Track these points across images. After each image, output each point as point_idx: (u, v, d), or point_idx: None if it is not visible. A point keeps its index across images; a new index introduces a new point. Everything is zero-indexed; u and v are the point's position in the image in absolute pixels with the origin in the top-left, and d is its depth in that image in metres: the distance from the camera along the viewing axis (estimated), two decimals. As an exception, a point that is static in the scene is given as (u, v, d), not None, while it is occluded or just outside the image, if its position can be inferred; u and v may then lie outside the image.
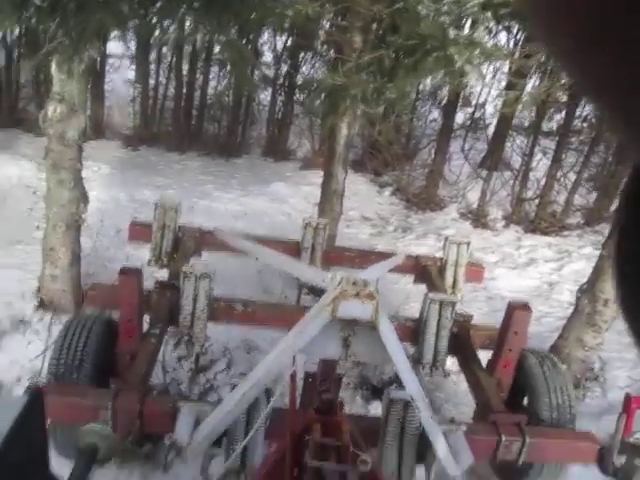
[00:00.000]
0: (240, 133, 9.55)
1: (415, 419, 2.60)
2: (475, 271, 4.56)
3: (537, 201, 8.27)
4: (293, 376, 1.76)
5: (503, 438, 2.82)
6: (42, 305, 4.79)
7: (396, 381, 3.52)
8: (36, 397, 1.40)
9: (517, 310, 3.18)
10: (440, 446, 2.57)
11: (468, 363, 3.44)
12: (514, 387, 3.30)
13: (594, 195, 8.57)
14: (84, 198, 4.55)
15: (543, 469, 3.16)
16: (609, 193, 8.34)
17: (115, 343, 3.11)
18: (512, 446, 2.82)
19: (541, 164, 8.63)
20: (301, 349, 2.34)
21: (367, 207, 8.13)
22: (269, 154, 9.39)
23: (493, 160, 9.04)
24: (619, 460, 3.78)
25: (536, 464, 3.12)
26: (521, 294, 6.14)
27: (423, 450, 2.72)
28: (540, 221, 7.99)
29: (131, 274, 2.99)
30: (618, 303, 0.37)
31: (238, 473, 2.61)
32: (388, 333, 2.32)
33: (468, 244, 4.40)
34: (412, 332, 3.54)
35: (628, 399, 3.87)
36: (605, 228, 8.49)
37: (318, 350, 2.37)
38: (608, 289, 4.50)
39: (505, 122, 9.13)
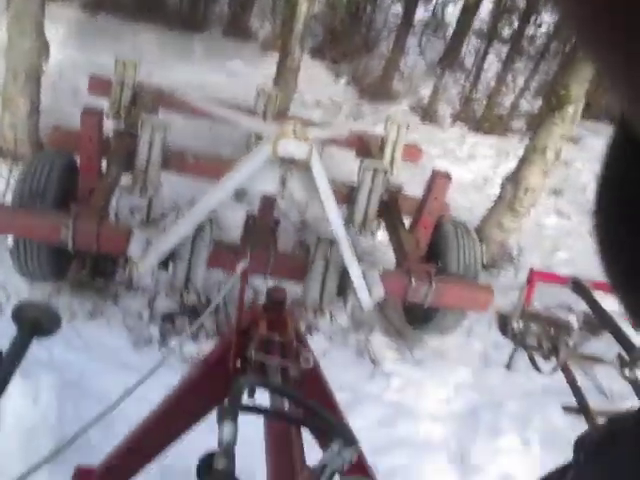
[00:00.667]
0: (202, 9, 9.46)
1: (338, 257, 3.02)
2: (413, 151, 4.93)
3: (485, 102, 8.62)
4: (244, 274, 1.77)
5: (413, 282, 3.29)
6: (1, 154, 4.98)
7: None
8: None
9: (438, 177, 3.59)
10: (357, 281, 3.01)
11: (393, 225, 3.87)
12: (431, 248, 3.76)
13: (540, 102, 8.96)
14: (45, 49, 4.68)
15: (446, 316, 3.67)
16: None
17: (75, 179, 3.40)
18: (420, 289, 3.31)
19: (493, 67, 8.93)
20: (243, 183, 2.70)
21: (322, 93, 8.34)
22: (230, 34, 9.37)
23: (448, 59, 9.27)
24: (518, 326, 4.38)
25: (441, 311, 3.63)
26: (456, 184, 6.59)
27: (343, 286, 3.17)
28: (485, 121, 8.38)
29: (93, 113, 3.24)
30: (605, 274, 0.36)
31: (181, 290, 3.02)
32: (320, 174, 2.68)
33: (408, 126, 4.74)
34: (347, 196, 3.92)
35: (531, 272, 4.44)
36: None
37: (259, 184, 2.73)
38: (530, 179, 4.97)
39: (465, 23, 9.32)
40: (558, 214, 6.98)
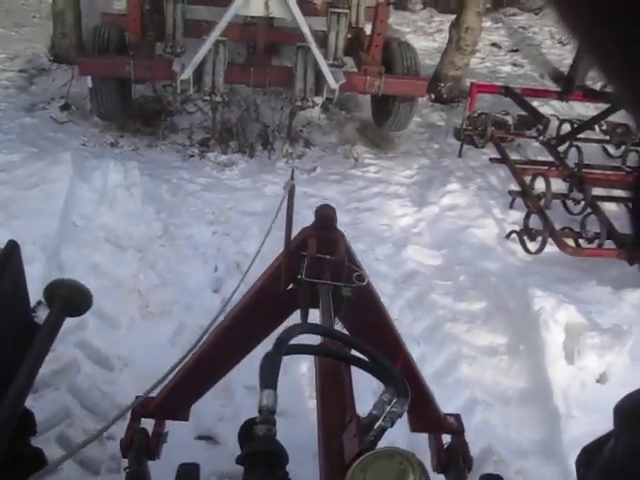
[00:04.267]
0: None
1: (312, 59, 4.43)
2: (373, 11, 6.23)
3: (449, -14, 9.81)
4: (291, 190, 1.60)
5: (368, 78, 4.72)
6: (56, 59, 6.44)
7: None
8: (12, 249, 1.45)
9: (380, 6, 4.96)
10: (326, 72, 4.43)
11: (356, 53, 5.26)
12: (383, 61, 5.14)
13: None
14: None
15: (399, 110, 5.10)
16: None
17: (124, 41, 4.85)
18: (374, 83, 4.74)
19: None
20: (240, 9, 4.12)
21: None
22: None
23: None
24: (465, 126, 5.69)
25: (395, 107, 5.06)
26: (425, 52, 7.91)
27: (319, 85, 4.60)
28: (450, 2, 9.57)
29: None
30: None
31: (210, 94, 4.45)
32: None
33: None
34: (323, 37, 5.28)
35: (472, 85, 5.80)
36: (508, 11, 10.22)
37: (248, 10, 4.15)
38: (469, 19, 6.29)
39: None
40: (513, 65, 8.26)
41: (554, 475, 2.68)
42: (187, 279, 3.64)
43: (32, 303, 1.82)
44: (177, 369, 1.67)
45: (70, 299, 1.56)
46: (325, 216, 1.58)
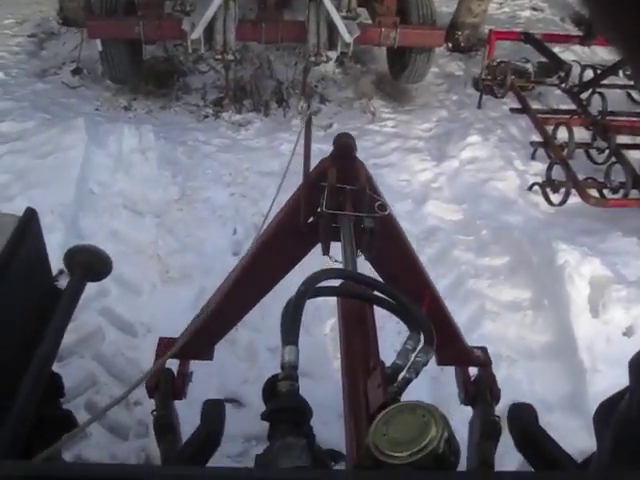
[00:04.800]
0: None
1: (326, 12, 4.30)
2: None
3: None
4: (308, 123, 1.57)
5: (383, 30, 4.58)
6: (65, 22, 6.34)
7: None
8: (31, 216, 1.44)
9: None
10: (340, 25, 4.30)
11: (372, 7, 5.10)
12: (398, 11, 4.98)
13: None
14: None
15: (416, 61, 4.97)
16: None
17: (133, 1, 4.74)
18: (389, 35, 4.61)
19: None
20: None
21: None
22: None
23: None
24: (484, 75, 5.52)
25: (412, 58, 4.92)
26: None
27: (333, 39, 4.47)
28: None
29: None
30: None
31: (222, 52, 4.35)
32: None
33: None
34: None
35: (490, 32, 5.62)
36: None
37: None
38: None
39: None
40: (533, 9, 7.99)
41: (581, 429, 2.66)
42: (206, 243, 3.62)
43: (54, 272, 1.84)
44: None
45: (90, 264, 1.57)
46: (344, 145, 1.51)
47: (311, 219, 1.56)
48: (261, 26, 4.47)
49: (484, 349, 2.22)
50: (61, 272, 2.63)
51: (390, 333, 2.73)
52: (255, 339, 3.00)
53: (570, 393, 2.91)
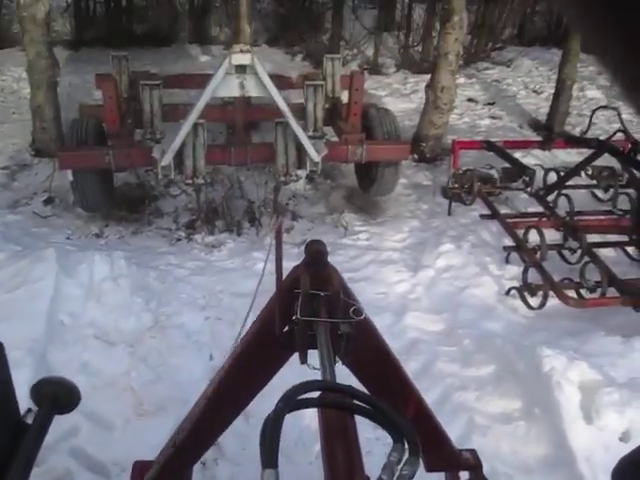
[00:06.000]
0: (166, 27, 10.99)
1: (292, 134, 4.42)
2: (348, 79, 6.30)
3: (420, 47, 10.04)
4: (278, 231, 1.54)
5: (349, 147, 4.70)
6: (38, 153, 6.43)
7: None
8: None
9: (355, 75, 5.00)
10: (307, 145, 4.41)
11: (336, 123, 5.28)
12: (363, 129, 5.15)
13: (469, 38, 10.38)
14: (56, 64, 6.14)
15: (384, 176, 5.07)
16: (480, 37, 10.31)
17: (103, 132, 4.83)
18: (356, 151, 4.72)
19: (421, 19, 10.38)
20: (216, 91, 4.12)
21: (282, 71, 9.78)
22: (195, 41, 10.90)
23: (384, 21, 10.74)
24: (451, 184, 5.66)
25: (379, 172, 5.03)
26: (403, 113, 7.99)
27: (301, 158, 4.57)
28: (423, 63, 9.77)
29: (106, 77, 4.68)
30: None
31: (191, 177, 4.41)
32: (263, 73, 4.10)
33: (339, 59, 6.11)
34: (301, 109, 5.29)
35: (454, 142, 5.81)
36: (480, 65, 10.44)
37: (224, 91, 4.15)
38: (444, 79, 6.36)
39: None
40: (491, 118, 8.35)
41: None
42: (181, 371, 3.49)
43: (22, 410, 1.74)
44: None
45: (57, 396, 1.55)
46: (316, 251, 1.49)
47: (286, 328, 1.55)
48: (230, 150, 4.55)
49: (473, 451, 2.13)
50: (29, 411, 2.49)
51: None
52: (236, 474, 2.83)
53: (573, 510, 2.75)
